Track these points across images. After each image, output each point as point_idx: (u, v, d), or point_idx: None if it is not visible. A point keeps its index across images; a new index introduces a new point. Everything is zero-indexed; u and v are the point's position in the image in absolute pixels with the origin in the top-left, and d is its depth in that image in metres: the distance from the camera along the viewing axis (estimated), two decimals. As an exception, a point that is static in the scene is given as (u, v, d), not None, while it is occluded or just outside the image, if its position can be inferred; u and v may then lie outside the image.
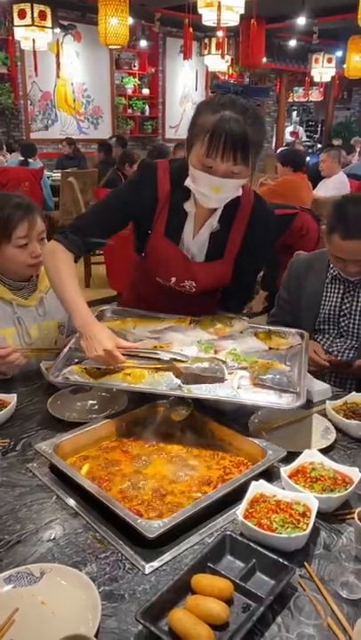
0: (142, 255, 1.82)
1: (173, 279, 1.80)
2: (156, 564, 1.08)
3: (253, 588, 1.00)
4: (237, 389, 1.47)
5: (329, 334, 2.09)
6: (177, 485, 1.29)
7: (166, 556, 1.10)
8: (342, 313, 2.05)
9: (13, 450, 1.44)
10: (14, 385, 1.74)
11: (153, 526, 1.08)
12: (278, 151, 8.76)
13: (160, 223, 1.75)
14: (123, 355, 1.51)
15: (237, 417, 1.53)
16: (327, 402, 1.62)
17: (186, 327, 1.79)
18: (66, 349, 1.66)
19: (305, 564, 1.08)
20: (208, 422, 1.50)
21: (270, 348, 1.72)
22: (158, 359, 1.55)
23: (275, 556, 1.04)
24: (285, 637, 0.92)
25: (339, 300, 2.06)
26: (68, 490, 1.27)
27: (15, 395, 1.60)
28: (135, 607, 0.97)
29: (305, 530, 1.09)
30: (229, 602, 0.98)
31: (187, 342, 1.68)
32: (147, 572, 1.06)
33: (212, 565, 1.04)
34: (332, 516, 1.21)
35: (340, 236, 1.85)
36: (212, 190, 1.55)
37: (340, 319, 2.06)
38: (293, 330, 1.81)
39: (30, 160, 7.54)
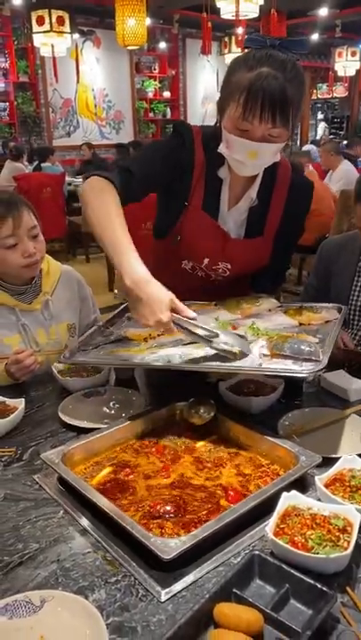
0: (174, 236, 1.65)
1: (206, 260, 1.66)
2: (173, 589, 0.93)
3: (287, 619, 0.85)
4: (260, 359, 1.33)
5: (358, 327, 1.91)
6: (199, 497, 1.15)
7: (186, 579, 0.95)
8: None
9: (20, 459, 1.31)
10: (23, 389, 1.62)
11: (169, 545, 0.94)
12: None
13: (198, 195, 1.61)
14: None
15: (265, 419, 1.38)
16: (366, 401, 1.46)
17: (209, 309, 1.64)
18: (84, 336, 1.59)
19: (347, 589, 0.93)
20: (233, 426, 1.35)
21: (301, 324, 1.56)
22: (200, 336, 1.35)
23: (311, 581, 0.89)
24: None
25: None
26: (77, 503, 1.14)
27: (23, 399, 1.48)
28: (149, 642, 0.83)
29: (346, 548, 0.93)
30: (259, 637, 0.83)
31: (204, 321, 1.53)
32: (163, 599, 0.92)
33: (238, 592, 0.89)
34: (377, 532, 1.05)
35: None
36: (247, 156, 1.43)
37: None
38: (330, 304, 1.65)
39: (48, 164, 7.52)
